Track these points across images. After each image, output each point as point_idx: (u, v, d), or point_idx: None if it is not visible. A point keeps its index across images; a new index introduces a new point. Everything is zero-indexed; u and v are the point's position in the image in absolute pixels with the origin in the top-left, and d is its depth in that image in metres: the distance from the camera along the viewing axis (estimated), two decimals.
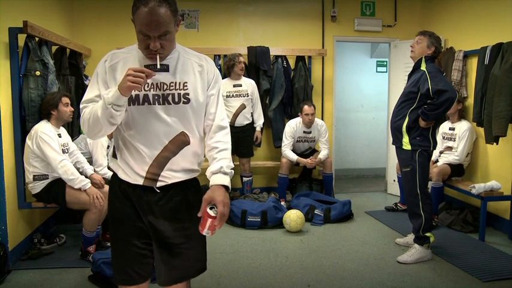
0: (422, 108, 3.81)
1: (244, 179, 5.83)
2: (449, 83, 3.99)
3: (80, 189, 3.80)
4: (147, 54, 1.86)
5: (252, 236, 4.68)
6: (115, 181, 2.03)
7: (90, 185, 3.85)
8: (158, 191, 1.95)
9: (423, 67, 3.86)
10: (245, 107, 5.64)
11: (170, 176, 1.95)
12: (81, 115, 1.90)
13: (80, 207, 3.92)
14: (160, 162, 1.92)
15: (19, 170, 3.95)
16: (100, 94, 1.89)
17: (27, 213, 4.17)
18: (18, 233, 3.97)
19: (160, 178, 1.93)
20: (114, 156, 2.01)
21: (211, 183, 1.92)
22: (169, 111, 1.90)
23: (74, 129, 4.66)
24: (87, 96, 1.93)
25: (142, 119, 1.89)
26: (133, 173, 1.94)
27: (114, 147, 2.03)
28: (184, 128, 1.93)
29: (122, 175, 1.97)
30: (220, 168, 1.93)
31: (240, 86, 5.61)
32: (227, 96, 5.52)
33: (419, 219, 3.91)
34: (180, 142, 1.93)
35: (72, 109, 4.01)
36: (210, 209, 1.84)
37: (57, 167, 3.73)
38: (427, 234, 3.94)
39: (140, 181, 1.93)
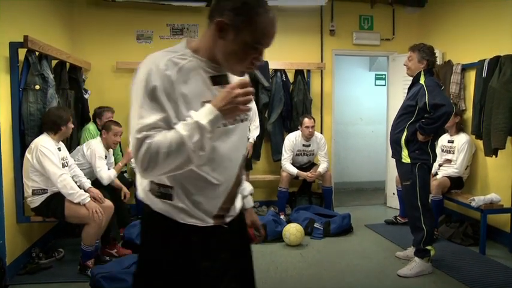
0: (419, 122, 3.82)
1: None
2: (446, 97, 4.00)
3: (79, 203, 3.79)
4: (243, 68, 1.55)
5: (252, 247, 4.64)
6: (163, 228, 1.57)
7: (89, 199, 3.84)
8: (226, 226, 1.64)
9: (422, 80, 3.87)
10: None
11: (236, 206, 1.71)
12: (141, 147, 1.38)
13: (79, 221, 3.91)
14: (233, 194, 1.65)
15: (18, 184, 3.94)
16: (167, 117, 1.43)
17: (25, 227, 4.15)
18: (16, 248, 3.95)
19: (229, 213, 1.66)
20: (164, 196, 1.54)
21: (246, 205, 1.84)
22: (237, 131, 1.61)
23: (72, 143, 4.66)
24: (145, 120, 1.40)
25: (217, 143, 1.52)
26: (203, 213, 1.57)
27: (153, 184, 1.56)
28: (244, 148, 1.67)
29: (184, 219, 1.55)
30: (250, 191, 1.84)
31: None
32: None
33: (421, 232, 3.90)
34: (242, 165, 1.67)
35: (73, 126, 4.07)
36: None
37: (57, 181, 3.73)
38: (428, 247, 3.92)
39: (210, 221, 1.58)
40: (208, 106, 1.43)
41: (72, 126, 4.05)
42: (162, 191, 1.54)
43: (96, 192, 4.10)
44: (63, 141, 4.14)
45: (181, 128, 1.39)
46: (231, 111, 1.43)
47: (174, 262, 1.58)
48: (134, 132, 1.40)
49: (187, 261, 1.58)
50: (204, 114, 1.41)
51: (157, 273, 1.59)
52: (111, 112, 5.20)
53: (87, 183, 4.19)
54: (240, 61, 1.50)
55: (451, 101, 5.15)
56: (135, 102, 1.44)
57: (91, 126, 5.15)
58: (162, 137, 1.38)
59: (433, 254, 3.95)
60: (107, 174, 4.45)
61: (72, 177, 4.11)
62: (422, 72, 3.92)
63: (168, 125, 1.42)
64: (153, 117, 1.40)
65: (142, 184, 1.60)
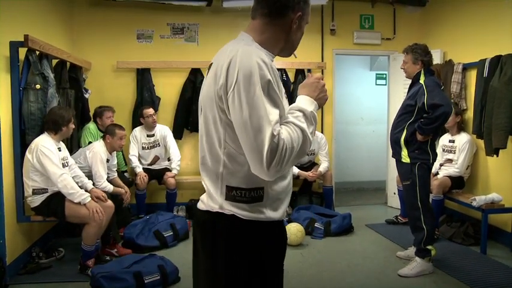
0: (418, 122, 3.81)
1: None
2: (446, 97, 3.99)
3: (79, 203, 3.79)
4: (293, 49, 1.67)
5: None
6: (258, 232, 1.54)
7: (89, 198, 3.84)
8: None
9: (421, 80, 3.87)
10: None
11: None
12: (276, 146, 1.34)
13: (79, 220, 3.91)
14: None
15: (18, 184, 3.93)
16: (282, 110, 1.45)
17: (25, 226, 4.15)
18: (16, 247, 3.94)
19: None
20: (253, 200, 1.50)
21: None
22: None
23: (73, 142, 4.65)
24: (274, 114, 1.38)
25: None
26: (283, 207, 1.59)
27: (237, 191, 1.50)
28: None
29: (271, 216, 1.54)
30: None
31: None
32: None
33: (421, 232, 3.89)
34: None
35: (74, 126, 4.05)
36: None
37: (57, 181, 3.72)
38: (429, 247, 3.91)
39: (283, 214, 1.61)
40: (306, 97, 1.51)
41: (73, 126, 4.05)
42: (252, 195, 1.50)
43: (100, 192, 4.10)
44: (63, 141, 4.14)
45: (296, 121, 1.42)
46: (322, 99, 1.55)
47: (271, 259, 1.59)
48: (265, 132, 1.34)
49: (283, 252, 1.64)
50: (308, 105, 1.48)
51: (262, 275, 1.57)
52: (111, 112, 5.19)
53: (89, 183, 4.18)
54: (299, 40, 1.65)
55: (452, 101, 5.17)
56: (251, 98, 1.36)
57: (91, 126, 5.15)
58: (287, 133, 1.38)
59: (433, 254, 3.94)
60: (104, 186, 4.41)
61: (74, 178, 4.11)
62: (422, 72, 3.91)
63: (281, 118, 1.42)
64: (276, 112, 1.38)
65: (216, 195, 1.53)
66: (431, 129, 3.79)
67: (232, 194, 1.50)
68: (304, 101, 1.50)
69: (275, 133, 1.34)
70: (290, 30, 1.59)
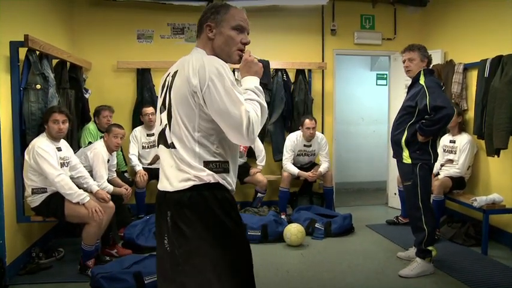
0: (419, 123, 3.79)
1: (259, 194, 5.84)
2: (447, 98, 3.99)
3: (78, 203, 3.78)
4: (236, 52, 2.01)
5: (252, 250, 4.62)
6: (230, 199, 1.93)
7: (88, 198, 3.82)
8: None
9: (422, 81, 3.85)
10: (241, 153, 5.72)
11: None
12: (250, 115, 1.80)
13: (79, 220, 3.90)
14: None
15: (18, 184, 3.93)
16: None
17: (25, 227, 4.14)
18: (16, 247, 3.94)
19: None
20: (224, 170, 1.90)
21: None
22: None
23: (73, 142, 4.64)
24: (242, 97, 1.85)
25: None
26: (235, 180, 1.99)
27: (212, 164, 1.88)
28: None
29: (232, 185, 1.95)
30: None
31: None
32: None
33: (422, 233, 3.88)
34: None
35: (62, 127, 3.86)
36: None
37: (54, 182, 3.71)
38: (429, 247, 3.90)
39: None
40: (246, 77, 1.95)
41: (60, 127, 3.84)
42: (223, 167, 1.89)
43: (105, 194, 4.10)
44: (66, 140, 4.12)
45: (250, 97, 1.85)
46: (258, 71, 1.96)
47: (239, 223, 1.96)
48: (241, 111, 1.76)
49: (240, 218, 1.97)
50: (250, 82, 1.92)
51: (238, 231, 1.95)
52: (109, 111, 5.17)
53: (95, 185, 4.17)
54: (234, 47, 1.97)
55: (453, 101, 5.16)
56: (225, 89, 1.78)
57: (91, 126, 5.14)
58: (250, 107, 1.80)
59: (434, 255, 3.93)
60: (105, 186, 4.40)
61: (78, 178, 4.11)
62: (422, 72, 3.90)
63: None
64: (242, 96, 1.82)
65: (195, 170, 1.86)
66: (433, 131, 3.78)
67: (209, 166, 1.86)
68: (247, 81, 1.93)
69: (247, 109, 1.77)
70: (211, 39, 1.97)
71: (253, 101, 1.85)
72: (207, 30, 1.96)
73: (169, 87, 1.94)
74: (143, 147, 5.63)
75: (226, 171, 1.90)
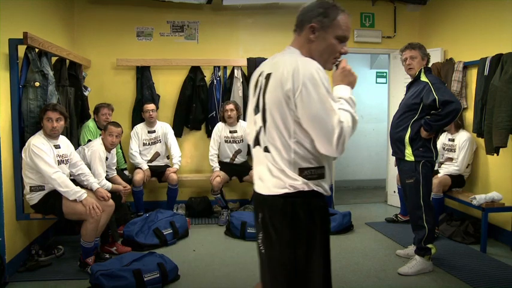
0: (425, 119, 3.79)
1: None
2: (453, 94, 4.00)
3: (75, 200, 3.78)
4: (332, 61, 1.97)
5: (252, 247, 4.62)
6: (322, 207, 1.91)
7: (85, 195, 3.82)
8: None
9: (423, 78, 3.86)
10: (241, 151, 5.75)
11: None
12: (343, 125, 1.74)
13: (77, 217, 3.90)
14: None
15: (17, 181, 3.93)
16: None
17: (25, 224, 4.14)
18: (15, 245, 3.94)
19: None
20: (319, 176, 1.85)
21: None
22: None
23: (72, 140, 4.64)
24: (335, 105, 1.79)
25: None
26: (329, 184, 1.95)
27: (307, 170, 1.83)
28: None
29: (327, 191, 1.91)
30: None
31: (236, 132, 5.70)
32: (225, 141, 5.67)
33: (422, 230, 3.88)
34: None
35: (55, 125, 3.81)
36: None
37: (50, 179, 3.71)
38: (429, 245, 3.91)
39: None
40: (340, 86, 1.91)
41: (54, 125, 3.80)
42: (318, 173, 1.85)
43: (105, 193, 4.10)
44: (67, 137, 4.11)
45: (343, 107, 1.79)
46: (353, 82, 1.93)
47: (327, 234, 1.93)
48: (333, 119, 1.71)
49: (328, 223, 1.98)
50: (344, 92, 1.88)
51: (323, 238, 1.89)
52: (107, 109, 5.15)
53: (95, 183, 4.16)
54: (331, 55, 1.92)
55: None
56: (318, 95, 1.72)
57: (91, 124, 5.13)
58: (343, 117, 1.74)
59: (433, 252, 3.94)
60: (103, 184, 4.38)
61: (79, 176, 4.10)
62: (422, 70, 3.91)
63: None
64: (335, 104, 1.76)
65: (289, 177, 1.83)
66: (440, 126, 3.80)
67: (304, 174, 1.82)
68: (341, 90, 1.88)
69: (340, 119, 1.71)
70: (310, 41, 1.90)
71: (346, 112, 1.77)
72: (309, 31, 1.89)
73: (264, 90, 1.89)
74: (144, 144, 5.63)
75: (322, 176, 1.86)
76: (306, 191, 1.82)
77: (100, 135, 4.73)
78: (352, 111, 1.80)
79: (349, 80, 1.92)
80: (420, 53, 3.93)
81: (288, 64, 1.78)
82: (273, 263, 1.89)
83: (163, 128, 5.72)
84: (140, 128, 5.65)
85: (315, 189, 1.83)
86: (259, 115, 1.92)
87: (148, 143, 5.65)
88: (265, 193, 1.89)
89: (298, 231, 1.83)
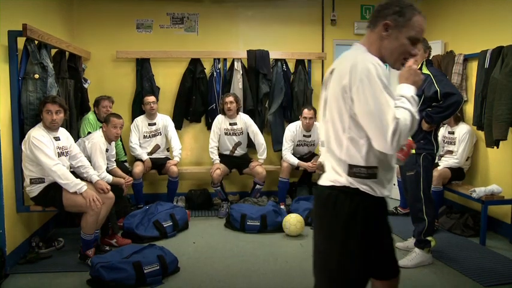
0: (426, 111, 3.79)
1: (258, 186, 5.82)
2: (455, 86, 4.00)
3: (75, 192, 3.78)
4: (401, 61, 1.95)
5: (251, 240, 4.66)
6: (367, 208, 1.87)
7: (85, 188, 3.82)
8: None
9: (425, 70, 3.85)
10: (241, 144, 5.75)
11: None
12: (399, 121, 1.71)
13: (77, 210, 3.90)
14: None
15: (17, 174, 3.93)
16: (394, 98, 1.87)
17: (25, 216, 4.15)
18: (16, 237, 3.95)
19: None
20: (370, 176, 1.83)
21: None
22: None
23: (72, 132, 4.63)
24: (392, 101, 1.76)
25: None
26: (388, 185, 1.93)
27: (358, 168, 1.83)
28: None
29: (382, 192, 1.88)
30: None
31: (235, 124, 5.69)
32: (225, 134, 5.66)
33: (422, 223, 3.89)
34: None
35: (55, 117, 3.80)
36: None
37: (51, 172, 3.71)
38: (428, 238, 3.92)
39: (387, 193, 1.94)
40: (404, 85, 1.90)
41: (53, 118, 3.79)
42: (369, 172, 1.83)
43: (105, 185, 4.10)
44: (67, 129, 4.10)
45: (403, 104, 1.78)
46: (417, 82, 1.92)
47: (381, 226, 1.97)
48: (388, 115, 1.70)
49: (387, 224, 2.01)
50: (407, 90, 1.86)
51: (373, 238, 1.90)
52: (108, 101, 5.13)
53: (95, 175, 4.16)
54: (401, 55, 1.90)
55: None
56: (374, 91, 1.73)
57: (91, 116, 5.12)
58: (400, 114, 1.72)
59: (433, 245, 3.95)
60: (103, 176, 4.38)
61: (79, 168, 4.10)
62: (424, 63, 3.90)
63: None
64: (392, 100, 1.74)
65: (337, 173, 1.88)
66: (442, 118, 3.81)
67: (353, 171, 1.83)
68: (403, 88, 1.87)
69: (396, 115, 1.69)
70: (383, 39, 1.89)
71: (405, 110, 1.77)
72: (382, 28, 1.89)
73: (327, 85, 1.94)
74: (144, 137, 5.63)
75: (373, 176, 1.83)
76: (351, 188, 1.84)
77: (101, 127, 4.72)
78: (413, 110, 1.78)
79: (414, 79, 1.92)
80: (422, 46, 3.92)
81: (348, 59, 1.83)
82: (314, 250, 1.99)
83: (164, 120, 5.72)
84: (140, 120, 5.64)
85: (361, 188, 1.83)
86: (322, 110, 1.99)
87: (149, 136, 5.64)
88: (319, 183, 1.98)
89: (336, 224, 1.86)
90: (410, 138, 2.04)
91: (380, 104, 1.71)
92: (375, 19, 1.93)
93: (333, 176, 1.90)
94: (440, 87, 3.71)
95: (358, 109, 1.75)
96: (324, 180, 1.94)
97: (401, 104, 1.78)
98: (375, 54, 1.86)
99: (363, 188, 1.84)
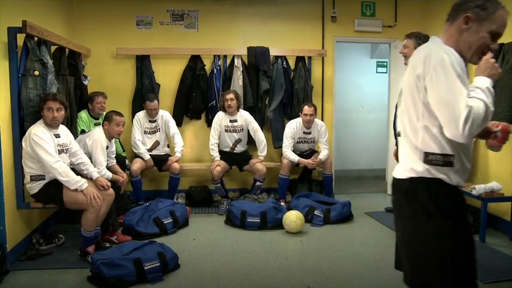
0: None
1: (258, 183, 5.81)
2: None
3: (76, 189, 3.78)
4: (480, 56, 1.94)
5: (251, 236, 4.66)
6: (448, 195, 1.88)
7: (86, 185, 3.82)
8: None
9: None
10: (241, 141, 5.76)
11: None
12: (471, 110, 1.72)
13: (78, 207, 3.90)
14: None
15: (18, 170, 3.93)
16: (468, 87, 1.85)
17: (25, 213, 4.15)
18: (16, 234, 3.95)
19: None
20: (446, 164, 1.85)
21: None
22: None
23: (72, 129, 4.62)
24: (465, 90, 1.77)
25: None
26: (466, 176, 1.93)
27: (434, 155, 1.85)
28: None
29: (458, 182, 1.89)
30: None
31: (236, 121, 5.69)
32: (226, 131, 5.65)
33: None
34: None
35: (56, 114, 3.80)
36: None
37: (51, 169, 3.71)
38: None
39: (464, 184, 1.94)
40: (480, 77, 1.88)
41: (54, 115, 3.79)
42: (445, 160, 1.85)
43: (105, 182, 4.10)
44: (67, 126, 4.10)
45: (477, 95, 1.78)
46: (494, 75, 1.90)
47: (461, 215, 1.90)
48: (460, 103, 1.71)
49: (465, 215, 1.94)
50: (482, 82, 1.85)
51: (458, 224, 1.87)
52: (102, 97, 5.10)
53: (95, 172, 4.15)
54: (480, 49, 1.90)
55: None
56: (447, 79, 1.76)
57: (83, 114, 5.07)
58: (473, 103, 1.73)
59: None
60: (104, 173, 4.37)
61: (79, 165, 4.10)
62: None
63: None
64: (465, 88, 1.75)
65: (413, 160, 1.90)
66: None
67: (429, 158, 1.86)
68: (479, 80, 1.86)
69: (468, 104, 1.70)
70: (462, 32, 1.89)
71: (479, 100, 1.76)
72: (462, 21, 1.88)
73: (404, 76, 1.99)
74: (145, 132, 5.62)
75: (449, 164, 1.85)
76: (428, 178, 1.86)
77: (95, 124, 4.70)
78: (487, 101, 1.77)
79: (491, 72, 1.90)
80: (414, 42, 3.87)
81: (422, 50, 1.89)
82: (401, 245, 2.01)
83: (164, 116, 5.71)
84: (142, 116, 5.63)
85: (438, 176, 1.85)
86: (398, 101, 2.06)
87: (150, 132, 5.64)
88: (396, 176, 1.99)
89: (420, 218, 1.87)
90: (505, 123, 2.05)
91: (453, 92, 1.74)
92: (455, 12, 1.93)
93: (409, 164, 1.92)
94: None
95: (431, 97, 1.79)
96: (401, 172, 1.97)
97: (475, 94, 1.79)
98: (453, 48, 1.87)
99: (440, 176, 1.85)
